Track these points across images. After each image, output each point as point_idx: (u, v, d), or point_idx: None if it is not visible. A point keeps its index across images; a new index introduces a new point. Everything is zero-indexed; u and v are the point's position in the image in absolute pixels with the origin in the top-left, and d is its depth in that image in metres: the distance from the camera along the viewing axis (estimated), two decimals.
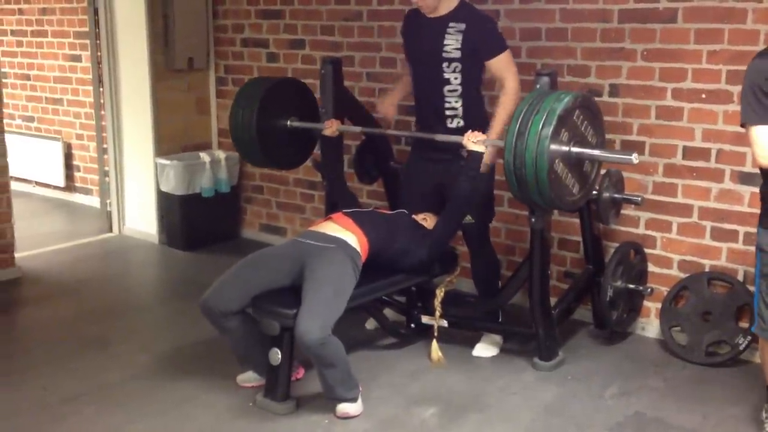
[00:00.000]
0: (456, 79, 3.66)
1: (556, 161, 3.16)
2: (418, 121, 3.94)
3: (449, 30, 3.62)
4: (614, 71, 4.00)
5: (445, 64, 3.64)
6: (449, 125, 3.72)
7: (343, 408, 3.22)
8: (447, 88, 3.68)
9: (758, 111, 2.75)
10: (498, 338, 3.90)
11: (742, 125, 2.85)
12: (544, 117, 3.11)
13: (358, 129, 4.20)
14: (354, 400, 3.23)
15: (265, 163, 4.42)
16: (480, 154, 3.51)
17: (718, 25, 3.67)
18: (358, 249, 3.40)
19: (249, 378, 3.47)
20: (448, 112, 3.71)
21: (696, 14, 3.73)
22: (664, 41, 3.83)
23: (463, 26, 3.60)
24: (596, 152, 3.29)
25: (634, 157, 3.22)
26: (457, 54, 3.61)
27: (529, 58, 4.24)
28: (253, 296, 3.27)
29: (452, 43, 3.61)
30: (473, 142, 3.50)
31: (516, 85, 3.63)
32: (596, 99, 4.00)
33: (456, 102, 3.69)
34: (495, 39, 3.65)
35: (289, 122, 4.15)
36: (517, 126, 3.16)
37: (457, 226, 3.70)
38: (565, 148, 3.18)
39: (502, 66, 3.63)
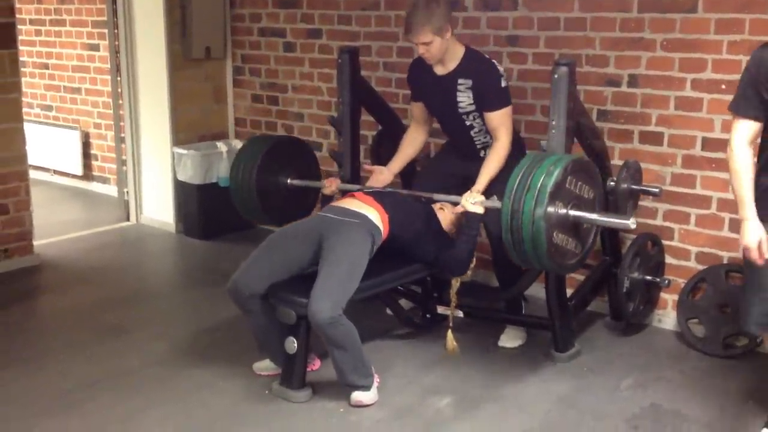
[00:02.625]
0: (478, 122, 3.69)
1: (554, 233, 3.10)
2: (451, 145, 3.96)
3: (459, 87, 3.62)
4: (633, 61, 3.97)
5: (464, 116, 3.68)
6: (483, 156, 3.72)
7: (357, 396, 3.23)
8: (473, 131, 3.73)
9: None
10: (522, 329, 3.89)
11: None
12: (536, 196, 3.03)
13: (356, 187, 3.92)
14: (367, 388, 3.24)
15: (266, 221, 4.40)
16: (479, 216, 3.49)
17: (738, 15, 3.64)
18: (380, 226, 3.41)
19: (266, 366, 3.49)
20: (479, 146, 3.77)
21: (716, 4, 3.69)
22: (684, 31, 3.80)
23: (470, 82, 3.60)
24: (594, 216, 3.22)
25: (632, 222, 3.19)
26: (472, 107, 3.64)
27: (547, 47, 4.22)
28: (280, 277, 3.28)
29: (465, 99, 3.63)
30: (471, 203, 3.49)
31: (508, 140, 3.61)
32: (614, 90, 4.01)
33: (485, 137, 3.73)
34: (498, 94, 3.60)
35: (288, 180, 4.11)
36: (510, 204, 3.10)
37: (452, 274, 3.61)
38: (563, 212, 3.12)
39: (498, 121, 3.60)
